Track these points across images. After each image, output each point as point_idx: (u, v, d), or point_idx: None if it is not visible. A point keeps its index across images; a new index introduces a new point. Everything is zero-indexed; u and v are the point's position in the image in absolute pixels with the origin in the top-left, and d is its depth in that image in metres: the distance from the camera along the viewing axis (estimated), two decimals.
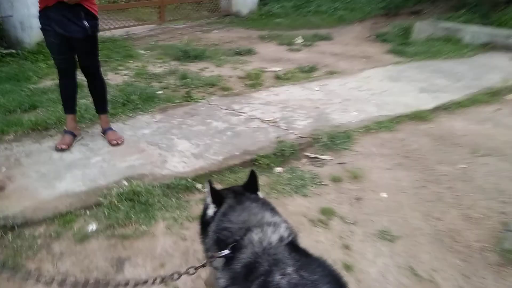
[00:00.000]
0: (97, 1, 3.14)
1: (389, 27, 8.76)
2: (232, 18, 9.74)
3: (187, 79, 5.07)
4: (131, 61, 5.99)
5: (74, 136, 3.39)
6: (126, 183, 2.81)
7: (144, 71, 5.46)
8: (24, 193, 2.71)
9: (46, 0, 2.86)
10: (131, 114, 4.01)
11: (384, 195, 2.86)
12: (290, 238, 1.25)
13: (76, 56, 3.18)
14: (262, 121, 3.94)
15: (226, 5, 9.95)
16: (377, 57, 6.73)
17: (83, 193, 2.73)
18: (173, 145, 3.42)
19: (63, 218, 2.49)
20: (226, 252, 1.26)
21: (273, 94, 4.71)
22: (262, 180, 2.99)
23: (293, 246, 1.24)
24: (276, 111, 4.19)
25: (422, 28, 7.97)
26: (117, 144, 3.38)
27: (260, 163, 3.16)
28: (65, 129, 3.40)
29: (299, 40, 7.80)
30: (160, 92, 4.65)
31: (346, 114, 4.17)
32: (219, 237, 1.32)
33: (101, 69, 3.38)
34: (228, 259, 1.26)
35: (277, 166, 3.17)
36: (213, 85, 5.00)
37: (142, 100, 4.26)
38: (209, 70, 5.70)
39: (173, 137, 3.57)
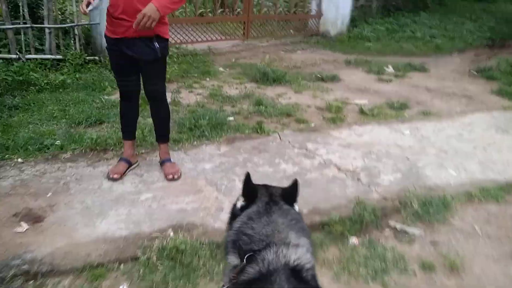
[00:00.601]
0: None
1: (494, 61, 7.69)
2: (319, 38, 9.23)
3: (262, 106, 4.65)
4: (208, 79, 5.73)
5: (130, 164, 3.10)
6: (171, 234, 2.43)
7: (219, 91, 5.15)
8: (60, 229, 2.43)
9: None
10: (195, 142, 3.67)
11: None
12: (294, 264, 1.16)
13: (142, 80, 2.90)
14: (339, 169, 3.37)
15: (314, 25, 9.49)
16: (480, 98, 5.76)
17: (122, 240, 2.38)
18: (234, 188, 2.99)
19: (92, 271, 2.15)
20: (243, 264, 1.20)
21: (355, 134, 4.12)
22: (332, 253, 2.44)
23: (295, 272, 1.16)
24: (357, 157, 3.59)
25: None
26: (173, 179, 3.03)
27: (331, 228, 2.60)
28: (121, 157, 3.12)
29: (390, 69, 7.08)
30: (230, 118, 4.28)
31: (442, 171, 3.45)
32: (237, 239, 1.27)
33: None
34: (241, 270, 1.20)
35: (352, 235, 2.58)
36: (288, 115, 4.53)
37: (210, 127, 3.91)
38: (286, 96, 5.24)
39: (235, 177, 3.14)
